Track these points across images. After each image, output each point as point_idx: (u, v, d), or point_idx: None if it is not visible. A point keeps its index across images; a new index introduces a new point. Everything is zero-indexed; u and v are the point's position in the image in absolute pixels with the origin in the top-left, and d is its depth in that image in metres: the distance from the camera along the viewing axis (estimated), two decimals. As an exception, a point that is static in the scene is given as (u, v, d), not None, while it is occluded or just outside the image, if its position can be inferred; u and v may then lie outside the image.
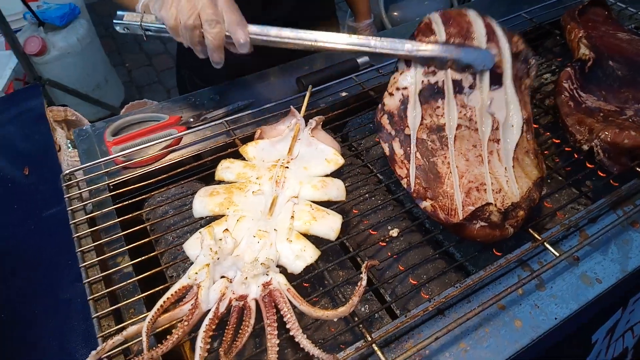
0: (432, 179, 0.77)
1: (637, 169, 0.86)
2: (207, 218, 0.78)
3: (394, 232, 0.78)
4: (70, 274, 0.78)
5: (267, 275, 0.66)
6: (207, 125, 0.97)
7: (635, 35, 1.11)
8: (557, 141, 0.99)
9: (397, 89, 0.85)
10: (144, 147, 0.92)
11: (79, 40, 2.67)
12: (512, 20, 1.22)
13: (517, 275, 0.74)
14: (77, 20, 2.73)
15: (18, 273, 0.89)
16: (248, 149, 0.85)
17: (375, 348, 0.63)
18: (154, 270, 0.74)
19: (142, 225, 0.81)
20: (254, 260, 0.68)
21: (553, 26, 1.23)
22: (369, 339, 0.63)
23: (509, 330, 0.69)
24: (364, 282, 0.64)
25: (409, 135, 0.81)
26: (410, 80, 0.85)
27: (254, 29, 0.81)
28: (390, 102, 0.85)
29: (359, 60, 1.14)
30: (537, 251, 0.77)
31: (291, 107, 0.91)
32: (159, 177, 0.88)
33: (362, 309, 0.73)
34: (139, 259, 0.75)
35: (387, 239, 0.80)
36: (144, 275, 0.73)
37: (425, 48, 0.83)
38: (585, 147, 0.88)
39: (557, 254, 0.73)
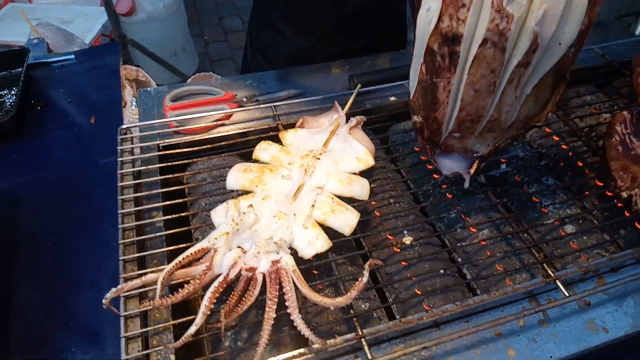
0: (428, 101, 0.70)
1: (676, 227, 0.83)
2: (238, 192, 0.83)
3: (408, 240, 0.81)
4: (113, 219, 0.86)
5: (278, 253, 0.71)
6: (256, 106, 1.03)
7: None
8: (600, 184, 0.97)
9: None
10: (196, 117, 0.99)
11: (165, 7, 2.83)
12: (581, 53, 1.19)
13: (522, 307, 0.75)
14: (167, -12, 2.89)
15: (70, 209, 0.99)
16: (287, 135, 0.90)
17: (364, 343, 0.66)
18: (182, 229, 0.80)
19: (180, 187, 0.88)
20: (269, 237, 0.72)
21: (624, 66, 1.18)
22: (360, 333, 0.67)
23: (500, 357, 0.69)
24: (365, 279, 0.67)
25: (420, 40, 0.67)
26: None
27: None
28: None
29: (415, 69, 1.15)
30: (549, 288, 0.77)
31: (335, 102, 0.95)
32: (204, 147, 0.95)
33: (363, 306, 0.76)
34: (171, 217, 0.82)
35: (400, 245, 0.82)
36: (171, 231, 0.80)
37: None
38: (625, 195, 0.85)
39: (567, 294, 0.72)
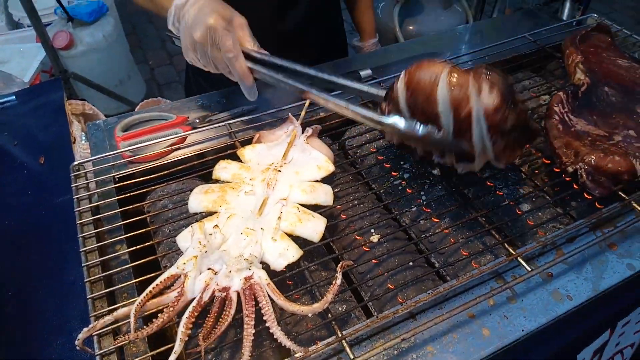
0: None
1: (620, 193, 0.88)
2: (202, 214, 0.83)
3: (375, 238, 0.83)
4: (75, 258, 0.84)
5: (250, 270, 0.71)
6: (210, 126, 1.03)
7: (635, 63, 1.14)
8: (547, 162, 1.02)
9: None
10: (150, 144, 0.98)
11: (104, 37, 2.78)
12: (515, 41, 1.26)
13: (490, 287, 0.78)
14: (105, 17, 2.84)
15: (28, 254, 0.96)
16: (245, 152, 0.90)
17: (345, 344, 0.67)
18: (148, 258, 0.79)
19: (141, 216, 0.87)
20: (239, 255, 0.73)
21: (555, 49, 1.26)
22: (340, 335, 0.67)
23: (476, 337, 0.72)
24: (339, 281, 0.68)
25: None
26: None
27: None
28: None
29: (362, 73, 1.19)
30: (513, 265, 0.80)
31: (289, 114, 0.96)
32: (162, 173, 0.94)
33: (340, 309, 0.77)
34: (135, 248, 0.81)
35: (368, 244, 0.84)
36: (138, 262, 0.79)
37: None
38: (570, 170, 0.90)
39: (529, 269, 0.76)
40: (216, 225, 0.76)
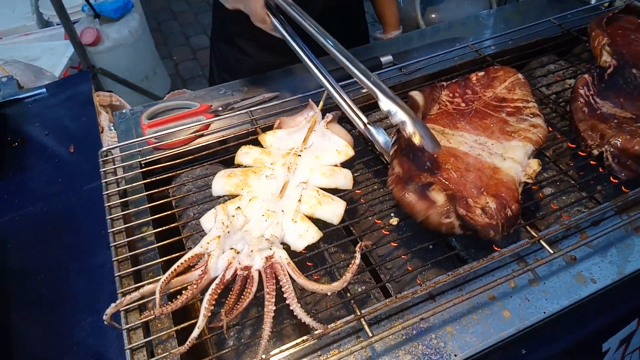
0: None
1: (647, 175, 0.86)
2: (225, 197, 0.85)
3: (394, 221, 0.83)
4: (104, 241, 0.87)
5: (271, 249, 0.72)
6: (233, 114, 1.05)
7: (665, 44, 1.10)
8: (572, 145, 1.00)
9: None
10: (174, 131, 1.01)
11: (130, 33, 2.84)
12: (540, 25, 1.23)
13: (511, 269, 0.77)
14: (130, 14, 2.90)
15: (59, 239, 0.99)
16: (266, 137, 0.92)
17: (363, 322, 0.68)
18: (173, 239, 0.81)
19: (166, 199, 0.89)
20: (261, 235, 0.74)
21: (581, 33, 1.23)
22: (358, 313, 0.68)
23: (496, 319, 0.72)
24: (357, 261, 0.69)
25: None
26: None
27: None
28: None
29: (383, 59, 1.18)
30: (535, 248, 0.80)
31: (309, 100, 0.97)
32: (186, 158, 0.97)
33: (359, 289, 0.78)
34: (161, 229, 0.83)
35: (388, 227, 0.84)
36: (163, 242, 0.81)
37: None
38: (595, 152, 0.89)
39: (552, 252, 0.75)
40: (239, 207, 0.77)
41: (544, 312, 0.72)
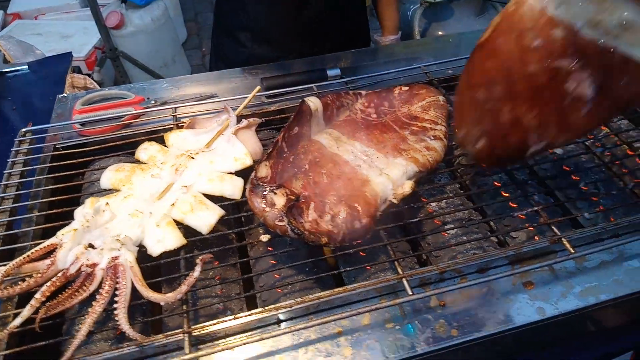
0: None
1: None
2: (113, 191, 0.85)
3: (264, 238, 0.79)
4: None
5: (120, 250, 0.71)
6: (159, 108, 1.05)
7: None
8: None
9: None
10: (99, 119, 1.02)
11: (153, 20, 2.92)
12: (410, 71, 1.12)
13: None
14: (157, 2, 2.98)
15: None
16: (170, 136, 0.91)
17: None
18: (51, 224, 0.81)
19: (65, 184, 0.89)
20: (117, 235, 0.73)
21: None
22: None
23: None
24: (196, 274, 0.67)
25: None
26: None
27: None
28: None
29: (330, 72, 1.15)
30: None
31: (225, 104, 0.95)
32: (103, 146, 0.98)
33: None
34: (47, 212, 0.84)
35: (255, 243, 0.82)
36: (43, 226, 0.82)
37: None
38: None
39: (411, 293, 0.69)
40: (107, 203, 0.77)
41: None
